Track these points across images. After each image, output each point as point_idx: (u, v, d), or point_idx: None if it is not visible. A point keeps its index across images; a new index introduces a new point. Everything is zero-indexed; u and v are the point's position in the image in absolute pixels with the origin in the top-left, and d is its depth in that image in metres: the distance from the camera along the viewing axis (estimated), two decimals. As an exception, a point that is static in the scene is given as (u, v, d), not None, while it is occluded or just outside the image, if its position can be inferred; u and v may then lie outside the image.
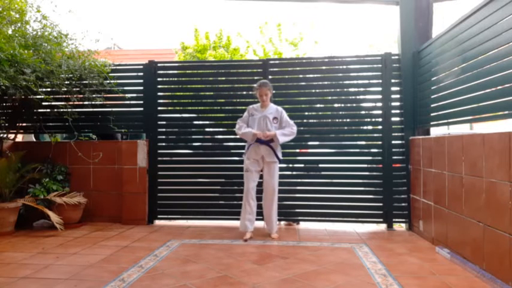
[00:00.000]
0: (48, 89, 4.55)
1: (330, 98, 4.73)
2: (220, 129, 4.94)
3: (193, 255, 3.42)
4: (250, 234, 4.03)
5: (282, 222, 4.80)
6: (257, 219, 4.50)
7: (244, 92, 4.82)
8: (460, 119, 3.43)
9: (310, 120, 4.85)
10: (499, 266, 2.61)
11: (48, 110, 4.76)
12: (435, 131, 4.47)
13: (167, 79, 5.08)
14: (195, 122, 5.00)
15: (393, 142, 4.52)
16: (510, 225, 2.47)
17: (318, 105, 4.78)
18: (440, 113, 3.83)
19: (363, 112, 4.66)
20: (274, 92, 4.71)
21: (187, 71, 5.14)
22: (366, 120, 4.71)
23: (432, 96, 4.02)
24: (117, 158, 4.86)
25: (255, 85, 4.19)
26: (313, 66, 4.89)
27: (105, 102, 4.91)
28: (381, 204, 4.51)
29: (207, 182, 4.82)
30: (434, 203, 3.68)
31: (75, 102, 4.70)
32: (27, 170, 4.56)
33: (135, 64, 5.19)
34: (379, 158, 4.55)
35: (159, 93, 4.97)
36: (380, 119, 4.56)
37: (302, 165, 4.85)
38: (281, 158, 4.13)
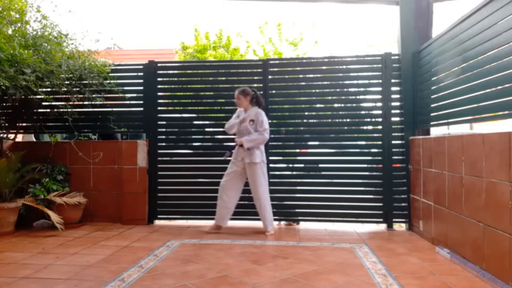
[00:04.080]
0: (48, 89, 4.55)
1: (330, 98, 4.73)
2: (220, 129, 4.93)
3: (193, 255, 3.42)
4: (214, 227, 4.32)
5: (282, 222, 4.80)
6: (255, 219, 4.50)
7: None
8: (460, 119, 3.43)
9: (310, 120, 4.85)
10: (499, 266, 2.62)
11: (48, 110, 4.76)
12: (435, 131, 4.47)
13: (167, 79, 5.08)
14: (195, 122, 5.01)
15: (393, 142, 4.52)
16: (510, 225, 2.47)
17: (318, 105, 4.78)
18: (440, 113, 3.83)
19: (363, 112, 4.66)
20: (274, 92, 4.73)
21: (188, 71, 5.14)
22: (366, 120, 4.71)
23: (432, 96, 4.02)
24: (117, 158, 4.86)
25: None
26: (313, 66, 4.89)
27: (105, 102, 4.91)
28: (381, 204, 4.51)
29: (207, 182, 4.82)
30: (434, 203, 3.68)
31: (75, 102, 4.70)
32: (27, 170, 4.56)
33: (135, 64, 5.19)
34: (379, 158, 4.55)
35: (159, 93, 4.96)
36: (380, 119, 4.56)
37: (302, 165, 4.85)
38: (257, 161, 4.15)
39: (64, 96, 4.76)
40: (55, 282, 2.75)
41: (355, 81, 4.79)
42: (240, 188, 4.34)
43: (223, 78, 4.90)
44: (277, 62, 5.12)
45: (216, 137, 4.91)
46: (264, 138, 4.20)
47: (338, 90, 4.77)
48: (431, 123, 4.10)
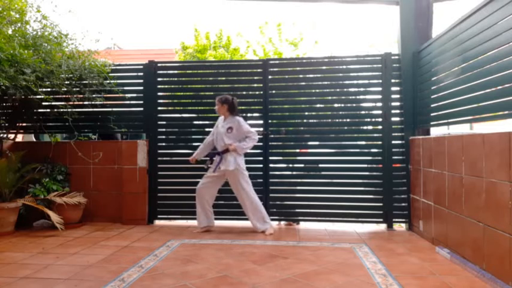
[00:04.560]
0: (48, 89, 4.55)
1: (330, 98, 4.73)
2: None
3: (193, 255, 3.42)
4: (203, 229, 4.37)
5: (282, 222, 4.81)
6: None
7: (244, 92, 4.82)
8: (460, 119, 3.43)
9: (310, 120, 4.85)
10: (499, 266, 2.62)
11: (48, 110, 4.76)
12: (435, 131, 4.47)
13: (167, 79, 5.08)
14: (195, 122, 5.01)
15: (393, 142, 4.52)
16: (510, 225, 2.47)
17: (318, 105, 4.78)
18: (440, 113, 3.83)
19: (363, 112, 4.66)
20: (274, 92, 4.73)
21: (188, 71, 5.14)
22: (366, 120, 4.71)
23: (432, 96, 4.02)
24: (117, 158, 4.86)
25: None
26: (313, 66, 4.89)
27: (105, 102, 4.91)
28: (381, 204, 4.51)
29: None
30: (434, 203, 3.68)
31: (75, 102, 4.70)
32: (27, 170, 4.56)
33: (135, 64, 5.19)
34: (379, 158, 4.55)
35: (159, 93, 4.97)
36: (380, 119, 4.56)
37: (302, 165, 4.85)
38: (231, 168, 4.15)
39: (64, 96, 4.76)
40: (55, 282, 2.75)
41: (355, 81, 4.78)
42: (215, 191, 4.41)
43: (223, 78, 4.90)
44: (277, 62, 5.12)
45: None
46: (254, 141, 4.25)
47: (338, 90, 4.77)
48: (431, 123, 4.10)
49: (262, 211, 4.28)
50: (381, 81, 4.56)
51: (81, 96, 4.74)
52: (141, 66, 4.97)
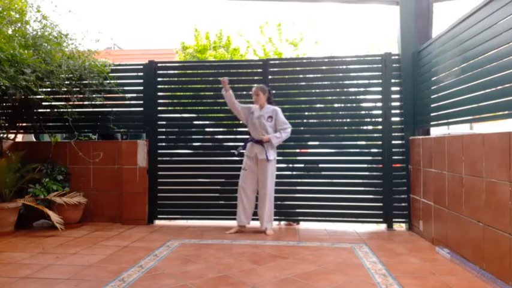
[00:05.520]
0: (48, 89, 4.55)
1: (330, 98, 4.73)
2: (220, 129, 4.95)
3: (193, 255, 3.42)
4: (237, 228, 4.30)
5: (282, 222, 4.81)
6: (254, 219, 4.49)
7: (244, 92, 4.81)
8: (460, 119, 3.43)
9: (310, 120, 4.85)
10: (499, 266, 2.62)
11: (48, 110, 4.76)
12: (435, 131, 4.48)
13: (167, 79, 5.08)
14: (195, 122, 5.01)
15: (393, 142, 4.52)
16: (510, 225, 2.47)
17: (318, 105, 4.79)
18: (440, 113, 3.83)
19: (363, 112, 4.66)
20: (274, 92, 4.72)
21: (188, 71, 5.15)
22: (366, 120, 4.71)
23: (432, 96, 4.02)
24: (117, 158, 4.86)
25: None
26: (313, 66, 4.89)
27: (105, 102, 4.91)
28: (381, 204, 4.51)
29: (207, 182, 4.82)
30: (434, 203, 3.68)
31: (75, 102, 4.70)
32: (27, 170, 4.56)
33: (135, 64, 5.19)
34: (379, 158, 4.55)
35: (159, 93, 4.96)
36: (380, 119, 4.56)
37: (302, 165, 4.85)
38: (270, 158, 4.18)
39: (64, 96, 4.76)
40: (55, 282, 2.75)
41: (355, 81, 4.79)
42: (256, 186, 4.30)
43: (224, 78, 4.89)
44: (277, 62, 5.12)
45: (216, 137, 4.91)
46: (288, 134, 4.25)
47: (338, 90, 4.78)
48: (431, 123, 4.10)
49: (272, 210, 4.31)
50: (380, 81, 4.56)
51: (81, 96, 4.74)
52: (141, 66, 4.97)
